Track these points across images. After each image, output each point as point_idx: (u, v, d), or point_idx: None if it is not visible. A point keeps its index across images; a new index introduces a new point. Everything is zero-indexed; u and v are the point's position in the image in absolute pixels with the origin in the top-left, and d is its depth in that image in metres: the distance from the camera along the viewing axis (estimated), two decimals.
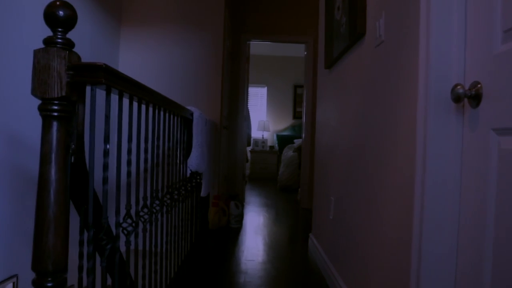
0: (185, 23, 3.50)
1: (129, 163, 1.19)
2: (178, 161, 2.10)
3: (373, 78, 1.50)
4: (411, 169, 1.09)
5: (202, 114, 2.51)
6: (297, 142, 6.95)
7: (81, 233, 1.00)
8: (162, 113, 1.70)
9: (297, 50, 7.83)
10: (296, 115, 8.33)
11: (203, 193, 2.92)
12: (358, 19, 1.59)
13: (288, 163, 6.36)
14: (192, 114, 2.30)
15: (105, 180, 1.01)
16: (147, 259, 1.66)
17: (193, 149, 2.30)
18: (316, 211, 2.77)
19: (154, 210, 1.57)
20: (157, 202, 1.71)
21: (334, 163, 2.21)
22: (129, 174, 1.20)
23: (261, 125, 8.01)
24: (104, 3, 3.04)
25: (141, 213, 1.40)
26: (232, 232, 3.38)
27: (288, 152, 6.68)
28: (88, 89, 0.95)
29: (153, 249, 1.71)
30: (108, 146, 1.00)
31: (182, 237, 2.30)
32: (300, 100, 8.29)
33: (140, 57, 3.48)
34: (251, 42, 4.79)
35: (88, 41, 2.77)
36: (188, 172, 2.34)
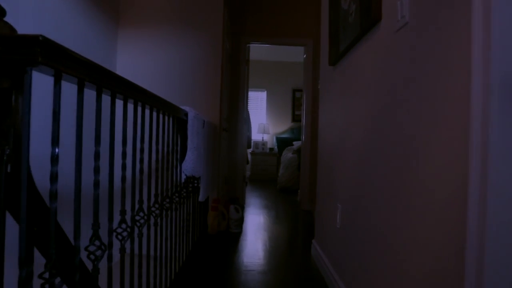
0: (184, 24, 3.21)
1: (96, 170, 0.89)
2: (171, 166, 1.80)
3: (393, 69, 1.20)
4: (461, 174, 0.78)
5: (198, 115, 2.21)
6: (296, 144, 6.64)
7: (21, 266, 0.70)
8: (152, 113, 1.41)
9: (295, 55, 7.54)
10: (295, 118, 8.03)
11: (201, 197, 2.61)
12: (372, 3, 1.29)
13: (288, 165, 6.06)
14: (186, 115, 2.00)
15: (77, 191, 0.71)
16: (135, 273, 1.35)
17: (188, 152, 2.00)
18: (320, 217, 2.46)
19: (138, 224, 1.27)
20: (141, 214, 1.41)
21: (341, 168, 1.91)
22: (96, 184, 0.90)
23: (261, 128, 7.71)
24: (100, 4, 2.75)
25: (119, 230, 1.09)
26: (232, 237, 3.08)
27: (287, 154, 6.37)
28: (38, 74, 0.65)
29: (143, 262, 1.40)
30: (57, 150, 0.70)
31: (177, 247, 2.00)
32: (298, 104, 8.00)
33: (138, 59, 3.19)
34: (250, 45, 4.49)
35: (83, 42, 2.47)
36: (183, 177, 2.04)
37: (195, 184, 2.53)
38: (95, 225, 0.89)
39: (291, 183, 6.00)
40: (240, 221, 3.23)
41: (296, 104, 8.01)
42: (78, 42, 2.39)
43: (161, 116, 1.65)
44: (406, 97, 1.09)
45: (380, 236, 1.28)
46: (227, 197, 4.08)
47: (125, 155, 1.10)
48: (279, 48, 7.29)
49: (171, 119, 1.80)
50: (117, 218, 1.38)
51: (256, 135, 7.81)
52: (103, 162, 0.99)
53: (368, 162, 1.45)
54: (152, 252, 2.61)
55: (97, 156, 0.89)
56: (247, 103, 4.67)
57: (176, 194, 1.90)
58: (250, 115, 6.55)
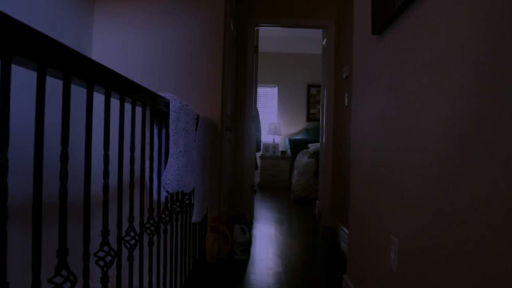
0: None
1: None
2: (143, 179, 1.23)
3: None
4: None
5: (188, 107, 1.64)
6: (312, 146, 6.04)
7: None
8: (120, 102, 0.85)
9: (310, 46, 6.96)
10: (310, 117, 7.43)
11: (194, 218, 2.05)
12: None
13: (303, 171, 5.46)
14: (167, 105, 1.43)
15: None
16: None
17: (170, 159, 1.43)
18: (356, 248, 1.86)
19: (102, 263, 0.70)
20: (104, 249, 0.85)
21: (397, 186, 1.31)
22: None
23: (271, 129, 7.13)
24: None
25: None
26: (236, 266, 2.50)
27: (302, 158, 5.77)
28: None
29: None
30: None
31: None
32: (314, 101, 7.40)
33: (120, 39, 2.64)
34: (259, 27, 3.92)
35: (43, 18, 1.92)
36: (163, 195, 1.46)
37: (186, 202, 1.96)
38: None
39: (307, 192, 5.40)
40: (247, 244, 2.64)
41: (311, 102, 7.41)
42: (35, 17, 1.84)
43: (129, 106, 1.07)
44: None
45: None
46: (231, 213, 3.50)
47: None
48: (292, 38, 6.71)
49: (147, 110, 1.22)
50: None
51: (266, 137, 7.23)
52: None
53: (462, 188, 0.86)
54: None
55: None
56: (255, 98, 4.09)
57: (151, 222, 1.33)
58: (259, 114, 5.97)
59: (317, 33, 6.13)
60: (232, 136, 3.68)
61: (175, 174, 1.44)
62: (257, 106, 5.08)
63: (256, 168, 5.66)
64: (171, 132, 1.42)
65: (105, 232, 0.97)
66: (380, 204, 1.49)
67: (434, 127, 1.04)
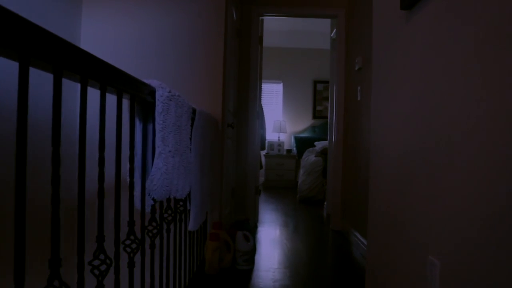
0: None
1: None
2: (123, 186, 0.97)
3: None
4: None
5: (180, 98, 1.39)
6: (319, 144, 5.77)
7: None
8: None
9: (317, 41, 6.68)
10: (317, 115, 7.16)
11: (191, 226, 1.79)
12: None
13: (310, 170, 5.19)
14: (153, 93, 1.17)
15: None
16: None
17: (156, 161, 1.17)
18: (379, 266, 1.59)
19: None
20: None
21: (439, 196, 1.05)
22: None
23: (276, 126, 6.86)
24: None
25: None
26: (239, 278, 2.24)
27: (309, 157, 5.50)
28: None
29: None
30: None
31: None
32: (320, 98, 7.12)
33: (111, 27, 2.39)
34: (264, 17, 3.65)
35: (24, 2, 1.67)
36: (149, 204, 1.21)
37: (180, 209, 1.70)
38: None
39: (314, 192, 5.13)
40: (251, 253, 2.38)
41: (317, 98, 7.14)
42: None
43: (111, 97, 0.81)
44: None
45: None
46: (233, 218, 3.25)
47: None
48: (298, 32, 6.43)
49: (129, 101, 0.96)
50: None
51: (270, 135, 6.97)
52: None
53: None
54: None
55: None
56: (260, 92, 3.83)
57: (132, 238, 1.07)
58: (263, 111, 5.71)
59: (324, 26, 5.84)
60: (235, 134, 3.42)
61: (163, 178, 1.18)
62: (262, 102, 4.83)
63: (261, 167, 5.40)
64: (157, 127, 1.16)
65: (55, 262, 0.71)
66: (412, 215, 1.23)
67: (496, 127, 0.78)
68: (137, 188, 1.17)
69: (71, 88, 2.14)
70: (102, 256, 0.88)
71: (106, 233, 0.92)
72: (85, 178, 0.79)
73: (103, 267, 0.88)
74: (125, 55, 2.37)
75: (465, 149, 0.91)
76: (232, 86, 3.03)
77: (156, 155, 1.16)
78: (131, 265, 1.08)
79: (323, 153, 5.24)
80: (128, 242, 1.07)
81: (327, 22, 5.33)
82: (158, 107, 1.17)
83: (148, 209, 1.21)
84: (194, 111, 1.73)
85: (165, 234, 1.49)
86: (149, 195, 1.19)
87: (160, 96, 1.18)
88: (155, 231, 1.27)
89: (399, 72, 1.40)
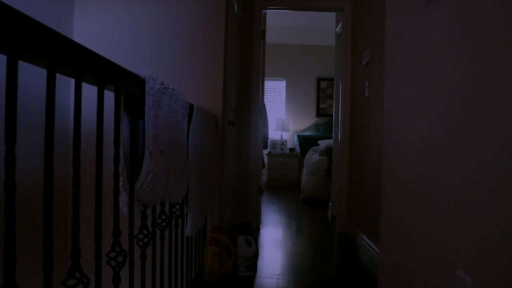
0: None
1: None
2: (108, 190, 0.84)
3: None
4: None
5: (175, 92, 1.25)
6: (323, 143, 5.62)
7: None
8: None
9: (321, 37, 6.53)
10: (320, 113, 7.01)
11: (188, 231, 1.66)
12: None
13: (314, 170, 5.05)
14: (142, 85, 1.04)
15: None
16: None
17: (145, 162, 1.03)
18: (394, 278, 1.45)
19: None
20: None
21: (474, 195, 0.91)
22: None
23: (279, 124, 6.72)
24: None
25: None
26: (240, 285, 2.11)
27: (313, 156, 5.36)
28: None
29: None
30: None
31: None
32: (324, 95, 6.98)
33: (104, 19, 2.25)
34: (267, 10, 3.50)
35: None
36: (138, 211, 1.07)
37: (177, 213, 1.56)
38: None
39: (318, 192, 4.99)
40: (253, 259, 2.25)
41: (321, 96, 6.99)
42: None
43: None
44: None
45: None
46: (235, 220, 3.11)
47: None
48: (301, 28, 6.29)
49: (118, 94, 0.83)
50: None
51: (273, 133, 6.83)
52: None
53: None
54: None
55: None
56: (263, 89, 3.69)
57: (118, 249, 0.94)
58: (266, 108, 5.56)
59: (328, 22, 5.69)
60: (236, 132, 3.28)
61: (154, 182, 1.05)
62: (264, 101, 4.69)
63: (263, 166, 5.26)
64: (147, 124, 1.02)
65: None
66: (438, 222, 1.09)
67: None
68: (125, 193, 1.04)
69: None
70: (77, 275, 0.75)
71: (86, 244, 0.79)
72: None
73: (79, 286, 0.75)
74: (117, 49, 2.23)
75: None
76: (233, 82, 2.89)
77: (145, 156, 1.03)
78: (116, 280, 0.95)
79: (328, 152, 5.10)
80: (113, 254, 0.94)
81: (331, 17, 5.18)
82: (149, 101, 1.04)
83: (137, 215, 1.07)
84: (191, 106, 1.60)
85: (158, 242, 1.36)
86: (138, 200, 1.05)
87: (150, 88, 1.04)
88: (146, 240, 1.14)
89: (420, 62, 1.26)
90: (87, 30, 2.23)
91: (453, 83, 1.00)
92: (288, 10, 3.60)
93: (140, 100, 1.06)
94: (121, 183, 1.04)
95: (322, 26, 6.06)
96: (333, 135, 4.07)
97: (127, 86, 0.97)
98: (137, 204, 1.06)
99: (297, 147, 6.67)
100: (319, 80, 6.98)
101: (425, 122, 1.18)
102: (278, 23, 5.94)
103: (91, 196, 0.97)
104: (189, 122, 1.60)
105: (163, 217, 1.36)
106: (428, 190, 1.13)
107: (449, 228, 0.99)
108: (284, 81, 7.03)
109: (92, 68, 0.76)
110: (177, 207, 1.58)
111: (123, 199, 1.04)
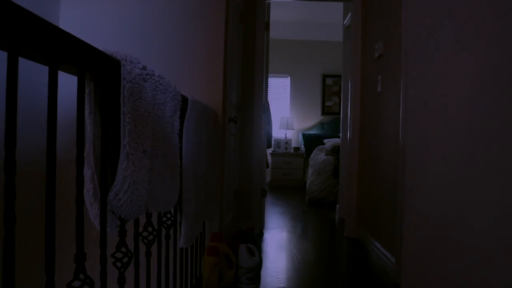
0: None
1: None
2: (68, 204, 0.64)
3: None
4: None
5: (163, 80, 1.04)
6: (329, 142, 5.40)
7: None
8: None
9: (327, 33, 6.31)
10: (325, 110, 6.79)
11: (182, 243, 1.46)
12: None
13: (320, 170, 4.83)
14: (117, 69, 0.83)
15: None
16: None
17: (121, 166, 0.82)
18: None
19: None
20: None
21: None
22: None
23: (283, 123, 6.51)
24: None
25: None
26: None
27: (318, 155, 5.14)
28: None
29: None
30: None
31: None
32: (330, 93, 6.76)
33: (93, 7, 2.06)
34: (271, 0, 3.29)
35: None
36: (114, 225, 0.87)
37: (168, 223, 1.36)
38: None
39: (324, 193, 4.78)
40: (256, 270, 2.04)
41: (327, 93, 6.77)
42: None
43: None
44: None
45: None
46: (236, 226, 2.91)
47: None
48: (306, 23, 6.06)
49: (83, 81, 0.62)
50: None
51: (277, 132, 6.62)
52: None
53: None
54: None
55: None
56: (266, 84, 3.48)
57: (81, 276, 0.73)
58: (270, 106, 5.35)
59: (334, 16, 5.46)
60: (238, 130, 3.08)
61: (133, 190, 0.84)
62: (268, 98, 4.48)
63: (267, 166, 5.05)
64: (123, 118, 0.82)
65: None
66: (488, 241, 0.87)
67: None
68: (96, 203, 0.83)
69: None
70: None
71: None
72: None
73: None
74: (108, 40, 2.03)
75: None
76: (234, 76, 2.69)
77: (121, 158, 0.82)
78: None
79: (334, 151, 4.89)
80: (77, 283, 0.73)
81: (337, 11, 4.96)
82: (125, 89, 0.83)
83: (112, 232, 0.87)
84: (185, 100, 1.39)
85: (143, 260, 1.15)
86: (113, 213, 0.85)
87: (127, 73, 0.84)
88: (125, 259, 0.93)
89: (449, 44, 1.05)
90: (72, 20, 2.04)
91: (501, 58, 0.79)
92: (293, 0, 3.38)
93: (115, 89, 0.85)
94: (91, 192, 0.84)
95: (328, 21, 5.84)
96: (340, 134, 3.86)
97: (97, 70, 0.76)
98: (112, 217, 0.85)
99: (302, 146, 6.46)
100: (324, 76, 6.76)
101: (467, 113, 0.97)
102: (282, 17, 5.72)
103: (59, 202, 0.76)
104: (183, 118, 1.40)
105: (150, 229, 1.15)
106: (472, 192, 0.92)
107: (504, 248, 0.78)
108: (289, 77, 6.82)
109: (40, 41, 0.56)
110: (168, 215, 1.38)
111: (94, 211, 0.84)
